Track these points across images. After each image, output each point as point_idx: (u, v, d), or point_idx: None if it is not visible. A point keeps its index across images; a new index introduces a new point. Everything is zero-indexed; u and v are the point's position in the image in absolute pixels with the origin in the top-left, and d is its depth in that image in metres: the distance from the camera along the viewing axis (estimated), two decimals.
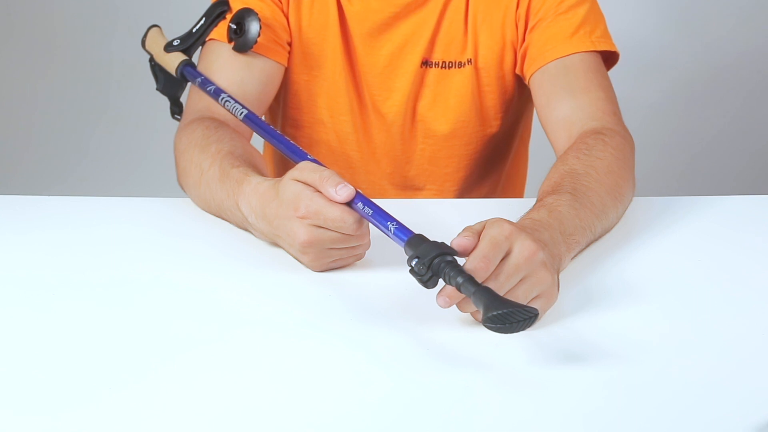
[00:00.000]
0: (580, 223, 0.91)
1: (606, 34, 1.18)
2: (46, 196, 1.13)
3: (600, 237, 0.98)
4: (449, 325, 0.80)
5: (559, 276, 0.85)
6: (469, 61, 1.22)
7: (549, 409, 0.69)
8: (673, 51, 2.71)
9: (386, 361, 0.75)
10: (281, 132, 1.10)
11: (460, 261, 0.77)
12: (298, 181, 0.87)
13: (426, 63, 1.23)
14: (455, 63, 1.22)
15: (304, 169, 0.87)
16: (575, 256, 0.92)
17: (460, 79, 1.22)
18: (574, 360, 0.74)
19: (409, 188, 1.30)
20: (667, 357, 0.76)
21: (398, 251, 0.81)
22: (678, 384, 0.72)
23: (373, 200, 0.86)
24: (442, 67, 1.23)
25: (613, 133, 1.07)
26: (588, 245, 0.95)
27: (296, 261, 0.91)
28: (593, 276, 0.90)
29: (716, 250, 0.98)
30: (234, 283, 0.90)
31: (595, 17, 1.18)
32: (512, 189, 1.38)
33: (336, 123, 1.26)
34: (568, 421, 0.67)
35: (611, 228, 1.01)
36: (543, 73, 1.16)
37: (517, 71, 1.22)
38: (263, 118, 1.12)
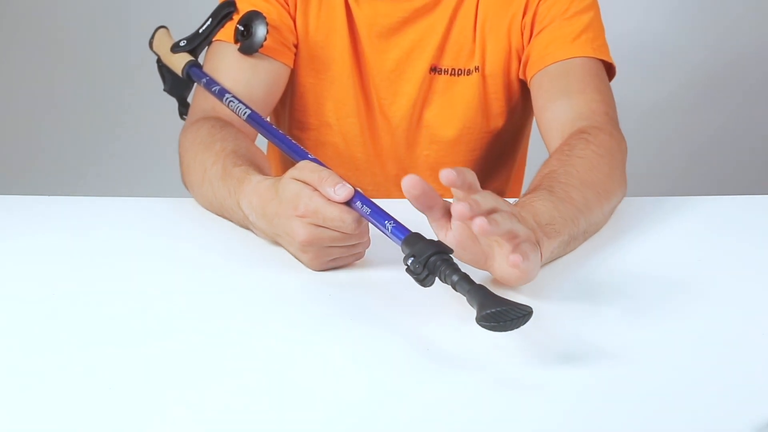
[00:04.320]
0: (559, 214, 0.89)
1: (605, 45, 1.19)
2: (50, 196, 1.13)
3: (588, 233, 0.96)
4: (449, 325, 0.80)
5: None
6: (477, 68, 1.22)
7: (548, 408, 0.68)
8: (673, 52, 2.72)
9: (386, 360, 0.75)
10: (287, 134, 1.11)
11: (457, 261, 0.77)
12: (297, 180, 0.87)
13: (435, 69, 1.22)
14: (464, 70, 1.22)
15: (303, 169, 0.87)
16: (560, 250, 0.90)
17: (468, 86, 1.22)
18: (573, 360, 0.74)
19: None
20: (666, 357, 0.75)
21: (398, 251, 0.81)
22: (677, 384, 0.71)
23: (377, 201, 0.86)
24: (451, 74, 1.22)
25: (598, 131, 1.05)
26: (575, 240, 0.93)
27: (297, 260, 0.91)
28: (593, 275, 0.90)
29: (716, 249, 0.97)
30: (235, 282, 0.90)
31: (597, 27, 1.19)
32: (517, 194, 1.38)
33: (343, 125, 1.26)
34: (567, 420, 0.67)
35: (600, 225, 0.99)
36: (543, 76, 1.16)
37: (520, 75, 1.22)
38: (268, 119, 1.12)
